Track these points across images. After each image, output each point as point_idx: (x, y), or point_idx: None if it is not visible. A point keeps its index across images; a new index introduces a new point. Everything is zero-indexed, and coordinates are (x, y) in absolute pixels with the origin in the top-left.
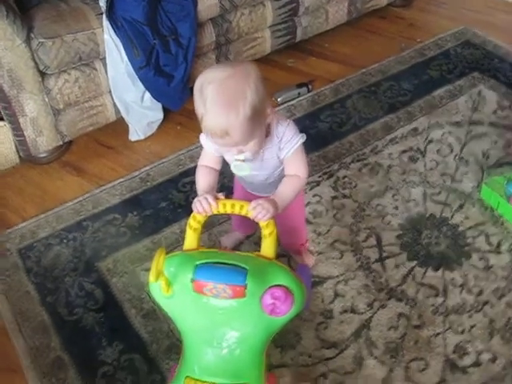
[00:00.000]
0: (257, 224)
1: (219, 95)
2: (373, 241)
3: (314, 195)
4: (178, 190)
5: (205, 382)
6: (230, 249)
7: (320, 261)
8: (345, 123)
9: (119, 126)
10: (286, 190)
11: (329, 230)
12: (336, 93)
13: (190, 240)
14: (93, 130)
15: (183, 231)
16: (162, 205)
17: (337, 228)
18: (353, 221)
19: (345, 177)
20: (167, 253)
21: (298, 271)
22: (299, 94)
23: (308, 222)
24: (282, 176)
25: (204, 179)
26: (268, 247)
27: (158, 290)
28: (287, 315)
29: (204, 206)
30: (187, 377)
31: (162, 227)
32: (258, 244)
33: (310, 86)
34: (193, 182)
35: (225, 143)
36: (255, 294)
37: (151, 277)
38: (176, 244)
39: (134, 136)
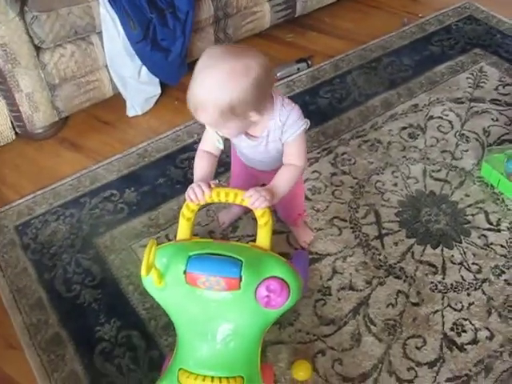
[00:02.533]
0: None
1: (207, 77)
2: (372, 218)
3: (313, 171)
4: (175, 166)
5: (199, 375)
6: (228, 224)
7: (319, 237)
8: (344, 99)
9: (116, 102)
10: (283, 180)
11: (327, 207)
12: (336, 68)
13: (184, 230)
14: (90, 106)
15: (181, 207)
16: (159, 181)
17: (336, 205)
18: (352, 197)
19: (344, 153)
20: (159, 243)
21: (295, 257)
22: (298, 69)
23: (307, 198)
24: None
25: (201, 166)
26: (263, 237)
27: (150, 282)
28: (283, 307)
29: (197, 193)
30: (181, 369)
31: (159, 203)
32: (256, 220)
33: (309, 62)
34: (191, 158)
35: (198, 119)
36: (250, 286)
37: (142, 271)
38: (173, 220)
39: (131, 111)
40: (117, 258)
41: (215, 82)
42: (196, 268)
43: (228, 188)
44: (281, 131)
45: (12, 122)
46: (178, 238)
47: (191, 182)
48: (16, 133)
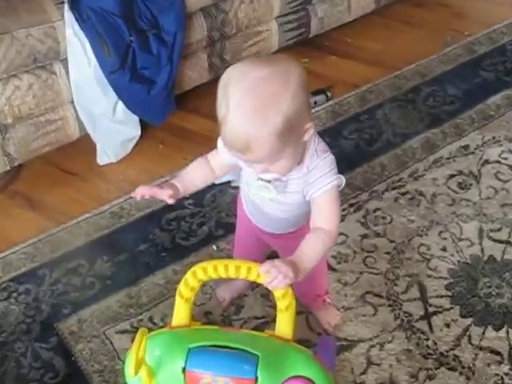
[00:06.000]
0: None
1: (248, 98)
2: (415, 292)
3: (339, 234)
4: (160, 228)
5: None
6: (229, 302)
7: (347, 319)
8: (375, 140)
9: (84, 146)
10: (309, 250)
11: (358, 279)
12: (363, 101)
13: (181, 313)
14: (50, 151)
15: (168, 281)
16: (140, 247)
17: (368, 276)
18: (389, 266)
19: (377, 209)
20: (150, 330)
21: (320, 345)
22: (315, 103)
23: (331, 268)
24: (304, 217)
25: (193, 169)
26: (285, 325)
27: (138, 381)
28: None
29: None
30: None
31: (141, 276)
32: (266, 297)
33: (328, 93)
34: (180, 218)
35: (245, 159)
36: None
37: (129, 369)
38: (159, 299)
39: (103, 158)
40: (86, 347)
41: (263, 101)
42: (198, 365)
43: (238, 260)
44: (304, 181)
45: None
46: (173, 324)
47: (180, 247)
48: None
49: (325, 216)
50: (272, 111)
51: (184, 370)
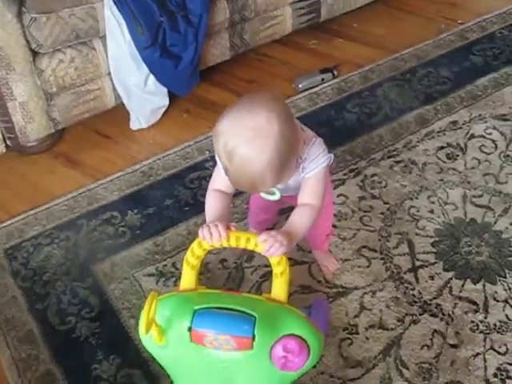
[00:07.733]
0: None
1: (246, 147)
2: (405, 248)
3: (339, 195)
4: (184, 186)
5: None
6: (242, 252)
7: (345, 269)
8: (374, 114)
9: (119, 113)
10: (299, 223)
11: (355, 235)
12: (365, 79)
13: (188, 278)
14: (89, 117)
15: (190, 233)
16: (166, 202)
17: (364, 232)
18: (382, 225)
19: (374, 175)
20: (160, 293)
21: (315, 307)
22: (323, 80)
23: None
24: None
25: (215, 206)
26: (279, 289)
27: (149, 339)
28: (301, 369)
29: (214, 234)
30: None
31: (166, 227)
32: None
33: (335, 72)
34: (201, 178)
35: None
36: (264, 345)
37: (142, 328)
38: (181, 247)
39: (135, 124)
40: (117, 287)
41: (259, 147)
42: (203, 325)
43: (238, 231)
44: (302, 167)
45: (3, 134)
46: (181, 288)
47: (201, 203)
48: (7, 145)
49: (312, 194)
50: (267, 152)
51: (190, 329)
